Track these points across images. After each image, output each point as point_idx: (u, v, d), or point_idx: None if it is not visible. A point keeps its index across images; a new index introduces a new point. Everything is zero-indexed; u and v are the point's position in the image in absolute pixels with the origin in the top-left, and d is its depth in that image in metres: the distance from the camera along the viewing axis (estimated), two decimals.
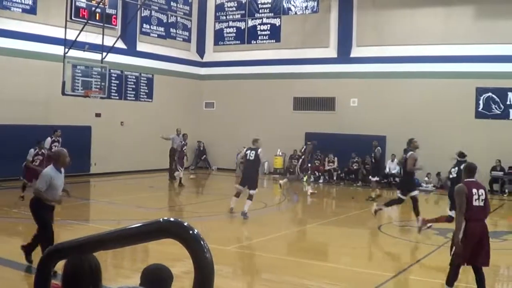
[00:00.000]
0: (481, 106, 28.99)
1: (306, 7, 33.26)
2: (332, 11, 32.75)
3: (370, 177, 27.44)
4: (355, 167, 30.31)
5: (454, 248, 9.26)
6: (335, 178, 30.87)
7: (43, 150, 19.95)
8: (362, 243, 15.63)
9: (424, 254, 13.66)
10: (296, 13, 33.64)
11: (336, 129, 30.66)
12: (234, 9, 35.75)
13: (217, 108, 35.48)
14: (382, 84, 30.52)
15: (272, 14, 34.31)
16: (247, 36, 35.25)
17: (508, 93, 28.53)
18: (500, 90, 28.56)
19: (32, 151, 19.71)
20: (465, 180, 9.52)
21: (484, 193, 9.30)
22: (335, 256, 14.05)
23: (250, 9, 35.06)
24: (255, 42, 34.90)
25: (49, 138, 21.64)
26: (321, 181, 30.67)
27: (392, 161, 29.45)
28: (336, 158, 30.87)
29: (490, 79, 28.57)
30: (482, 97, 28.93)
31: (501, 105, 28.61)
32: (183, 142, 26.91)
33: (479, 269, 9.34)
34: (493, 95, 28.71)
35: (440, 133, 28.45)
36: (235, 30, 35.73)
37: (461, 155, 16.04)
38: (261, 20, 34.81)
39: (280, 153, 33.08)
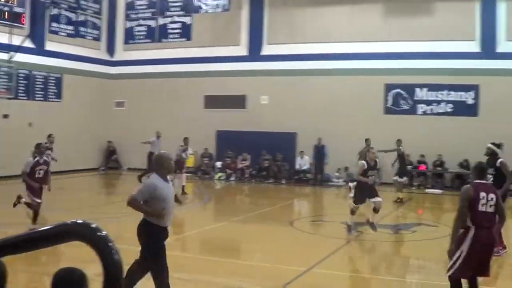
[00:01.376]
0: (389, 102, 29.60)
1: (217, 5, 33.09)
2: (243, 9, 32.74)
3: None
4: (266, 165, 30.38)
5: (453, 260, 8.20)
6: (247, 175, 30.86)
7: (45, 158, 15.75)
8: (274, 239, 15.62)
9: (335, 248, 13.77)
10: (207, 11, 33.45)
11: (247, 127, 30.65)
12: (144, 7, 35.29)
13: (128, 108, 34.95)
14: (292, 82, 30.71)
15: (183, 12, 34.04)
16: (158, 35, 34.85)
17: (416, 89, 29.21)
18: (408, 86, 29.21)
19: (31, 160, 15.41)
20: (475, 181, 8.45)
21: (494, 198, 8.19)
22: (248, 252, 14.01)
23: (161, 7, 34.69)
24: (166, 40, 34.53)
25: (30, 159, 16.00)
26: (232, 178, 30.63)
27: (302, 157, 29.74)
28: (249, 156, 30.87)
29: (398, 76, 29.15)
30: (390, 93, 29.53)
31: (409, 101, 29.27)
32: (184, 146, 24.63)
33: (475, 279, 8.47)
34: (402, 91, 29.34)
35: (349, 129, 28.84)
36: (146, 29, 35.27)
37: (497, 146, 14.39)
38: (172, 18, 34.49)
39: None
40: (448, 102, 28.98)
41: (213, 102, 32.56)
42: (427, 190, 27.89)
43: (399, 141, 24.23)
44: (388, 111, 29.60)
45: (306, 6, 31.25)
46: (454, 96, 28.98)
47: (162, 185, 8.18)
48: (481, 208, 8.08)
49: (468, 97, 28.81)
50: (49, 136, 20.96)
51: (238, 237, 16.15)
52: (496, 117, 27.62)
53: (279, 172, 29.71)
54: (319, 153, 29.10)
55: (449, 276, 8.35)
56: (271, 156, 30.32)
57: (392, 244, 15.13)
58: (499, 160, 13.10)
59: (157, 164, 8.45)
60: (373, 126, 28.72)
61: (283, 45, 31.26)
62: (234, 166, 30.99)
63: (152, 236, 8.08)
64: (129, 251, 11.06)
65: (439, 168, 28.64)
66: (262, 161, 30.57)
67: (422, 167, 28.79)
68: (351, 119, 29.41)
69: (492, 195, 8.19)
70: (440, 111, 29.05)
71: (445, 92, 29.01)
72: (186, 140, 24.89)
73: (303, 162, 29.87)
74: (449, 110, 28.97)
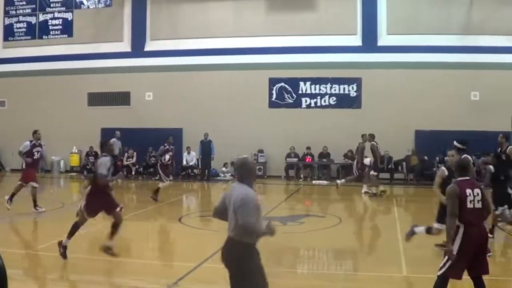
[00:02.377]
0: (274, 96, 29.83)
1: (99, 1, 32.49)
2: (125, 5, 32.23)
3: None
4: (152, 161, 29.95)
5: (446, 258, 7.97)
6: (133, 173, 30.34)
7: (40, 141, 18.02)
8: (164, 236, 15.56)
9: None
10: (88, 7, 32.76)
11: (133, 124, 30.23)
12: (24, 3, 34.12)
13: (9, 107, 33.73)
14: (177, 77, 30.54)
15: (64, 8, 33.18)
16: (38, 31, 33.79)
17: (300, 82, 29.61)
18: (292, 80, 29.57)
19: (27, 143, 17.68)
20: (458, 179, 8.28)
21: (480, 193, 8.05)
22: (138, 251, 13.65)
23: (41, 3, 33.67)
24: (47, 37, 33.54)
25: (27, 142, 17.99)
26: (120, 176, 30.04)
27: (189, 153, 29.54)
28: (135, 153, 30.35)
29: (282, 70, 29.51)
30: (275, 87, 29.79)
31: (294, 94, 29.63)
32: (167, 147, 21.64)
33: (480, 278, 8.11)
34: (286, 85, 29.63)
35: (235, 124, 28.95)
36: (25, 25, 34.13)
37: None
38: (52, 14, 33.54)
39: (76, 151, 32.08)
40: (331, 95, 29.52)
41: (97, 99, 32.00)
42: (314, 182, 28.26)
43: (369, 136, 23.89)
44: (272, 105, 29.86)
45: (189, 1, 31.15)
46: (337, 89, 29.53)
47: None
48: (469, 205, 7.93)
49: (351, 90, 29.46)
50: (35, 132, 20.31)
51: (128, 236, 15.68)
52: (378, 109, 28.44)
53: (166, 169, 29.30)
54: (206, 148, 28.89)
55: (439, 275, 8.10)
56: (157, 152, 29.81)
57: (281, 236, 15.02)
58: (463, 156, 13.10)
59: (246, 171, 7.02)
60: (258, 120, 28.95)
61: (167, 40, 31.02)
62: (120, 163, 30.37)
63: (256, 258, 6.99)
64: (15, 255, 10.63)
65: (324, 160, 29.05)
66: (149, 158, 30.13)
67: (308, 159, 29.12)
68: (236, 113, 29.51)
69: (477, 190, 8.06)
70: (324, 104, 29.55)
71: (328, 85, 29.57)
72: (169, 138, 21.88)
73: (190, 157, 29.71)
74: (332, 102, 29.54)
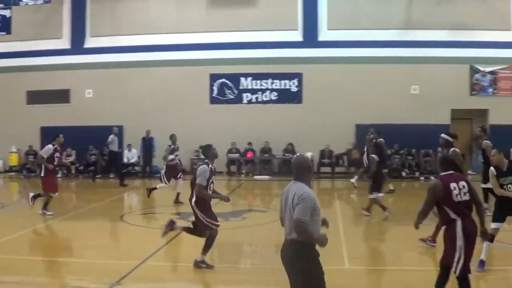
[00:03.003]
0: (215, 91, 29.78)
1: None
2: (65, 1, 31.76)
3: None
4: (93, 159, 29.59)
5: (456, 259, 7.87)
6: (73, 171, 29.93)
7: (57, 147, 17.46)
8: (106, 235, 15.40)
9: (167, 240, 13.43)
10: (27, 3, 32.10)
11: (73, 122, 29.74)
12: None
13: None
14: (118, 74, 30.27)
15: (3, 5, 32.42)
16: None
17: (241, 78, 29.62)
18: (233, 76, 29.56)
19: (50, 146, 17.25)
20: (441, 174, 8.27)
21: (466, 185, 8.03)
22: (80, 250, 13.47)
23: None
24: None
25: (50, 146, 17.47)
26: (59, 175, 29.52)
27: (130, 150, 29.25)
28: (74, 152, 29.92)
29: (223, 66, 29.48)
30: (216, 83, 29.71)
31: (235, 90, 29.60)
32: (172, 147, 20.45)
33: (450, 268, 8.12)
34: (227, 81, 29.58)
35: (176, 120, 28.72)
36: None
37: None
38: None
39: (15, 150, 31.49)
40: (272, 90, 29.62)
41: (36, 97, 31.40)
42: (255, 177, 28.24)
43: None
44: (214, 101, 29.87)
45: None
46: (278, 84, 29.60)
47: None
48: (456, 198, 7.92)
49: (292, 85, 29.59)
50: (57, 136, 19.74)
51: (69, 235, 15.51)
52: (319, 104, 28.59)
53: (107, 167, 28.97)
54: (147, 145, 28.64)
55: (458, 277, 7.98)
56: (98, 150, 29.53)
57: (224, 231, 14.94)
58: (451, 149, 13.00)
59: (303, 168, 6.78)
60: (199, 116, 28.93)
61: (107, 37, 30.75)
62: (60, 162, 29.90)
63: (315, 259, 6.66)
64: None
65: (266, 155, 29.01)
66: (89, 156, 29.75)
67: (250, 155, 29.12)
68: (178, 110, 29.42)
69: (462, 183, 8.04)
70: (265, 99, 29.65)
71: (269, 80, 29.64)
72: (173, 137, 20.63)
73: (131, 155, 29.41)
74: (274, 98, 29.63)
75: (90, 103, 30.49)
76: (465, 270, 7.86)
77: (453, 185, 7.94)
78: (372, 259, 12.44)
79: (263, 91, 29.64)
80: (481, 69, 29.66)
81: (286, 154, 28.48)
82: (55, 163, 17.25)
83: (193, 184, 10.84)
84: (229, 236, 14.19)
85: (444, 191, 7.92)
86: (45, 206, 16.92)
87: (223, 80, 29.69)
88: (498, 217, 10.59)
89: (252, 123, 28.93)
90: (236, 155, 29.04)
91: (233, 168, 29.32)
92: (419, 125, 27.67)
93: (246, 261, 12.41)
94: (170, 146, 20.21)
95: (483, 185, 14.91)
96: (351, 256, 11.82)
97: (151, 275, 10.74)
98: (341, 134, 28.54)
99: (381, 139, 19.36)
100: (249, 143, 29.15)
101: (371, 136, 20.37)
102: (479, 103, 29.69)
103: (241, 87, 29.66)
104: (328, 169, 28.56)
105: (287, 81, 29.51)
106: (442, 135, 13.51)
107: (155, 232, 15.26)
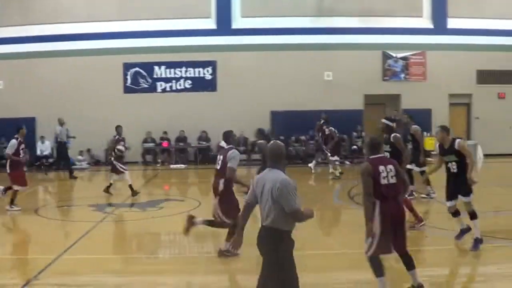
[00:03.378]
0: (129, 81, 29.53)
1: None
2: None
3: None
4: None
5: (369, 240, 8.08)
6: None
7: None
8: (21, 229, 15.09)
9: (84, 232, 13.27)
10: None
11: None
12: None
13: None
14: (29, 64, 29.39)
15: None
16: None
17: (155, 67, 29.44)
18: (147, 65, 29.30)
19: (14, 141, 16.83)
20: (370, 157, 8.36)
21: (393, 169, 8.18)
22: None
23: None
24: None
25: (14, 140, 17.06)
26: None
27: (43, 142, 28.64)
28: None
29: (136, 54, 29.18)
30: (129, 72, 29.45)
31: (149, 79, 29.38)
32: (117, 137, 19.71)
33: (406, 254, 8.30)
34: (140, 70, 29.31)
35: (90, 111, 28.35)
36: None
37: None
38: None
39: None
40: (187, 78, 29.59)
41: None
42: (171, 166, 28.13)
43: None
44: (127, 90, 29.63)
45: None
46: (192, 72, 29.56)
47: None
48: (383, 181, 8.05)
49: (206, 73, 29.62)
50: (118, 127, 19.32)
51: None
52: (234, 91, 28.76)
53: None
54: (61, 136, 28.03)
55: (369, 257, 8.14)
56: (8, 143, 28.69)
57: (141, 222, 15.01)
58: (393, 135, 13.00)
59: (278, 156, 6.93)
60: (113, 106, 28.59)
61: (17, 26, 29.76)
62: None
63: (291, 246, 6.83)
64: None
65: (181, 144, 28.94)
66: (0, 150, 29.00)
67: (165, 144, 28.93)
68: (91, 100, 28.98)
69: (390, 166, 8.19)
70: (179, 87, 29.54)
71: (183, 69, 29.58)
72: (119, 128, 19.98)
73: (44, 147, 28.78)
74: (188, 86, 29.62)
75: (1, 95, 29.55)
76: (377, 251, 8.05)
77: (381, 168, 8.11)
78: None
79: (177, 79, 29.50)
80: (393, 55, 30.43)
81: (201, 142, 28.58)
82: (21, 156, 16.89)
83: (220, 171, 10.80)
84: (147, 226, 14.16)
85: (374, 173, 8.08)
86: (12, 202, 16.44)
87: (137, 69, 29.37)
88: (449, 196, 11.03)
89: (167, 112, 28.73)
90: (152, 145, 28.87)
91: (149, 157, 29.12)
92: (333, 111, 28.11)
93: (164, 251, 12.28)
94: (115, 136, 19.75)
95: (410, 167, 15.26)
96: None
97: (69, 268, 10.51)
98: (256, 121, 28.59)
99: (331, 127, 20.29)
100: (164, 132, 28.98)
101: (322, 122, 20.86)
102: (392, 88, 30.49)
103: (155, 76, 29.43)
104: (243, 157, 28.65)
105: (201, 69, 29.47)
106: (383, 120, 13.57)
107: (72, 224, 15.13)
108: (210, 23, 29.56)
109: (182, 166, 27.89)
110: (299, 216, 6.63)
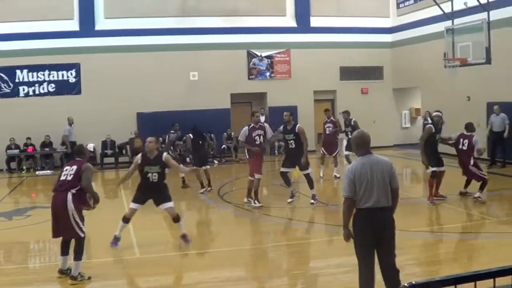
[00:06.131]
0: None
1: None
2: None
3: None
4: None
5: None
6: None
7: None
8: None
9: None
10: None
11: None
12: None
13: None
14: None
15: None
16: None
17: (17, 70, 28.58)
18: (8, 69, 28.40)
19: None
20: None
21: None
22: None
23: None
24: None
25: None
26: None
27: None
28: None
29: None
30: None
31: (10, 84, 28.52)
32: (175, 134, 21.09)
33: None
34: (1, 74, 28.42)
35: None
36: None
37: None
38: None
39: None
40: (50, 82, 29.03)
41: None
42: (37, 172, 27.41)
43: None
44: None
45: None
46: (55, 75, 29.05)
47: None
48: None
49: (70, 76, 29.18)
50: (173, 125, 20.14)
51: None
52: (99, 93, 28.56)
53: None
54: None
55: None
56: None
57: (9, 231, 14.50)
58: (297, 126, 13.35)
59: (367, 143, 7.55)
60: None
61: None
62: None
63: None
64: None
65: (47, 149, 28.24)
66: None
67: (30, 150, 28.12)
68: None
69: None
70: (43, 91, 28.94)
71: (46, 72, 29.00)
72: (175, 126, 22.04)
73: None
74: (51, 90, 29.05)
75: None
76: None
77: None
78: (160, 246, 12.42)
79: (40, 83, 28.70)
80: (258, 54, 30.89)
81: (65, 148, 28.04)
82: None
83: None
84: (15, 235, 13.81)
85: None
86: None
87: None
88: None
89: (30, 117, 27.79)
90: (16, 151, 27.94)
91: (14, 164, 28.14)
92: (200, 110, 28.36)
93: (34, 260, 12.03)
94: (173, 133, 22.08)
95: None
96: (140, 244, 12.29)
97: None
98: (122, 123, 28.57)
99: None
100: (28, 138, 28.04)
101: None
102: (258, 86, 31.03)
103: (17, 80, 28.50)
104: (111, 160, 28.46)
105: (64, 72, 28.85)
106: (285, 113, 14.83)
107: None
108: (73, 25, 29.01)
109: (49, 172, 27.19)
110: (399, 194, 7.48)
